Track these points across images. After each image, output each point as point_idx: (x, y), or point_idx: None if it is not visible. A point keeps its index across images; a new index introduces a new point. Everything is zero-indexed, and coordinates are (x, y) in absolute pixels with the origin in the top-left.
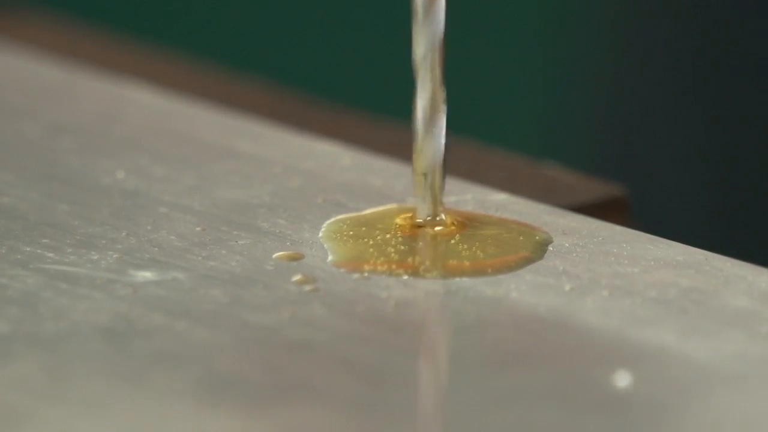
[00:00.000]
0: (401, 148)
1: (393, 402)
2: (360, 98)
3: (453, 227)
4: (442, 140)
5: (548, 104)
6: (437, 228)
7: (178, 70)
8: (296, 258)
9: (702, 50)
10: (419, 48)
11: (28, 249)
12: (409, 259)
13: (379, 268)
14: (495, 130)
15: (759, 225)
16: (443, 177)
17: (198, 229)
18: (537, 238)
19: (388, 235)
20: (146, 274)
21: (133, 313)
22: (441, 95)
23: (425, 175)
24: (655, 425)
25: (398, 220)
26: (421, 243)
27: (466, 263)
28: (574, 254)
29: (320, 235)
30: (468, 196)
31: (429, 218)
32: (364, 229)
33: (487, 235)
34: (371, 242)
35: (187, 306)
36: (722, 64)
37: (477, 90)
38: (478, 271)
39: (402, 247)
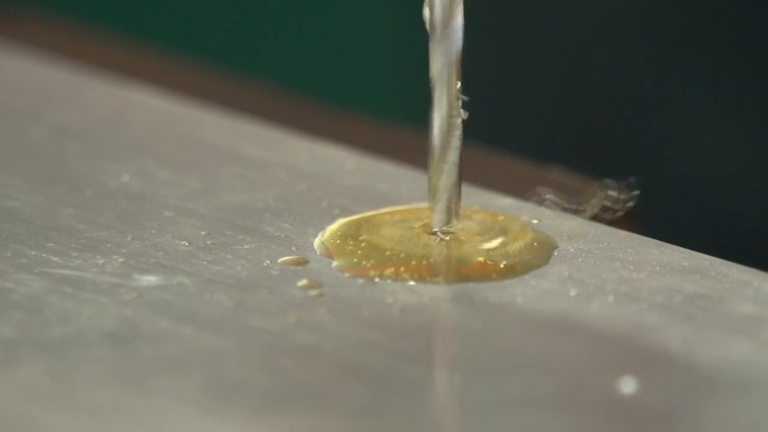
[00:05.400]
0: (407, 152)
1: (399, 407)
2: (366, 102)
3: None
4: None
5: (553, 108)
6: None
7: (184, 74)
8: (301, 263)
9: (707, 54)
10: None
11: (33, 253)
12: (415, 264)
13: (385, 272)
14: (500, 134)
15: (765, 230)
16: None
17: (203, 233)
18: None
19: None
20: (151, 279)
21: (139, 317)
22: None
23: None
24: (660, 431)
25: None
26: (429, 249)
27: (473, 269)
28: (580, 259)
29: (321, 240)
30: (473, 200)
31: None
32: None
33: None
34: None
35: (193, 311)
36: (727, 68)
37: (481, 94)
38: (483, 276)
39: (410, 253)
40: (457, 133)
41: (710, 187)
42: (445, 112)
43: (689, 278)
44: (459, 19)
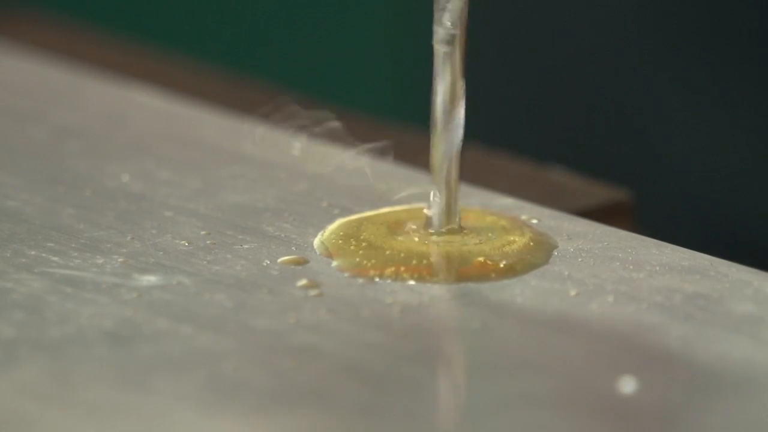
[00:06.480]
0: (406, 152)
1: (398, 407)
2: (366, 102)
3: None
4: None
5: (553, 108)
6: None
7: (184, 74)
8: (301, 263)
9: (708, 53)
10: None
11: (33, 253)
12: (415, 264)
13: (385, 272)
14: (500, 134)
15: (765, 230)
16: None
17: (203, 233)
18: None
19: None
20: (151, 279)
21: (138, 317)
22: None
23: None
24: (660, 431)
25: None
26: (429, 248)
27: (473, 268)
28: (579, 259)
29: (321, 240)
30: (473, 200)
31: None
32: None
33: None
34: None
35: (192, 311)
36: (727, 67)
37: (481, 94)
38: (483, 276)
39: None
40: (457, 219)
41: (710, 187)
42: (444, 202)
43: (689, 278)
44: (460, 116)
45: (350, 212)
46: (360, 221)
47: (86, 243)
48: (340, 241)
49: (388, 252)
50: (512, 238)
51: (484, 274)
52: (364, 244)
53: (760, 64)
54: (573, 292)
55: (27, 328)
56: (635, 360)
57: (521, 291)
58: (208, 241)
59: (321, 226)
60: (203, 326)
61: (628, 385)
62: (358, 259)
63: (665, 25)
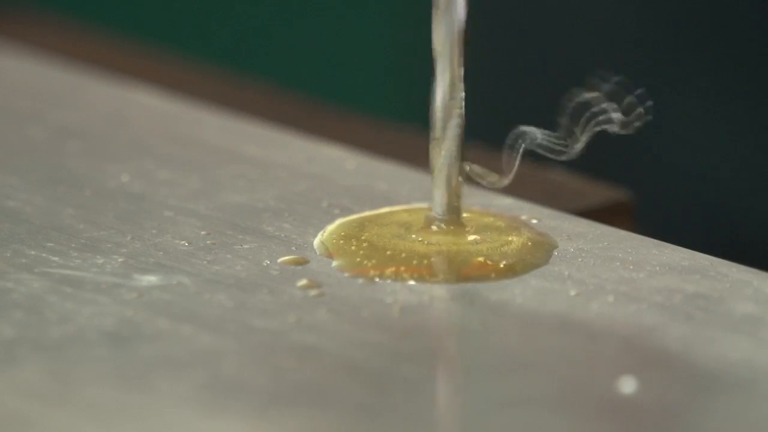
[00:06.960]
0: (407, 152)
1: (398, 407)
2: (366, 102)
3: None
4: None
5: (553, 108)
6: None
7: (184, 74)
8: (301, 262)
9: (707, 54)
10: (438, 36)
11: (33, 253)
12: (416, 263)
13: (385, 272)
14: (500, 134)
15: (765, 230)
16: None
17: (203, 233)
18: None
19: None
20: (151, 279)
21: (138, 317)
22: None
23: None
24: (660, 431)
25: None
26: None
27: (473, 268)
28: (579, 259)
29: (321, 240)
30: (474, 200)
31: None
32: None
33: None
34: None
35: (192, 310)
36: (726, 68)
37: (481, 94)
38: (483, 276)
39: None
40: (459, 112)
41: (710, 187)
42: (448, 82)
43: (689, 278)
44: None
45: (350, 212)
46: (360, 221)
47: (86, 243)
48: (341, 241)
49: (388, 252)
50: (511, 238)
51: (484, 274)
52: (364, 244)
53: (760, 65)
54: (573, 292)
55: (27, 328)
56: (635, 360)
57: (521, 291)
58: (208, 241)
59: (321, 226)
60: (203, 326)
61: (628, 385)
62: (358, 259)
63: (665, 25)
